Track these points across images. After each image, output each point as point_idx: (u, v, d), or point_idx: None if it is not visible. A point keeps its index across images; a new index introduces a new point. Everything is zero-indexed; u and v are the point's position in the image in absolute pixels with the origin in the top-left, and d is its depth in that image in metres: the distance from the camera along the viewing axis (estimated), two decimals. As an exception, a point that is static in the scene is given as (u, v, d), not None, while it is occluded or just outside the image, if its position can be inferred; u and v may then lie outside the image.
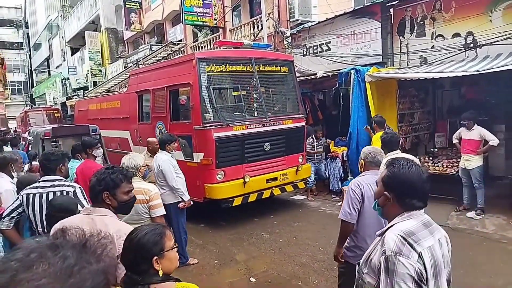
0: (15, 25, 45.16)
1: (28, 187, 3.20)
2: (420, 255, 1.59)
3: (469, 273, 4.60)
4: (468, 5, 7.37)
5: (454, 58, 7.49)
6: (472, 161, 6.45)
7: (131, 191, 2.33)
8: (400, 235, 1.64)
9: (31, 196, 3.10)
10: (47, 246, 0.67)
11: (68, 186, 3.19)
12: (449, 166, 7.29)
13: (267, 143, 6.90)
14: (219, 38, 13.62)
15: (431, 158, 7.78)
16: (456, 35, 7.60)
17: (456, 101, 8.44)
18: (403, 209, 1.76)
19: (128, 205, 2.32)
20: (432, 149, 8.35)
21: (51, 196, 3.07)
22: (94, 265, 0.67)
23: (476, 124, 6.50)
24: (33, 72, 43.98)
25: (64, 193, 3.11)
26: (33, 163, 6.59)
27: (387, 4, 8.67)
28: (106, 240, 0.74)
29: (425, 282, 1.58)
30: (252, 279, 4.81)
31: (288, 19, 11.34)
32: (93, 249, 0.71)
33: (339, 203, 7.54)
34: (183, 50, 15.81)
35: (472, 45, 7.37)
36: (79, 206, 2.98)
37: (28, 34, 43.11)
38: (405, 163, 1.82)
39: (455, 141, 6.96)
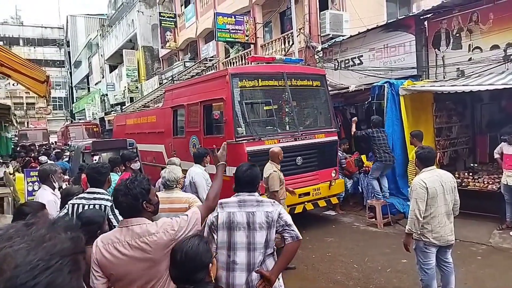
0: (57, 44, 47.79)
1: (75, 197, 3.35)
2: (218, 214, 2.71)
3: (515, 295, 4.37)
4: (507, 16, 7.15)
5: (493, 70, 7.25)
6: (515, 177, 6.16)
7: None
8: (220, 202, 2.71)
9: (75, 206, 3.24)
10: (22, 224, 0.79)
11: (107, 200, 3.25)
12: (490, 182, 6.98)
13: (299, 157, 6.89)
14: (250, 54, 13.82)
15: (471, 174, 7.48)
16: (495, 47, 7.37)
17: (496, 114, 8.13)
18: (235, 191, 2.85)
19: (158, 205, 2.38)
20: (472, 165, 8.04)
21: (91, 208, 3.19)
22: (63, 234, 0.80)
23: (518, 139, 6.24)
24: (74, 88, 46.19)
25: (102, 207, 3.18)
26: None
27: (421, 17, 8.55)
28: (72, 222, 0.88)
29: (215, 230, 2.71)
30: (285, 295, 4.76)
31: (319, 34, 11.38)
32: (61, 224, 0.84)
33: (373, 219, 7.38)
34: (216, 66, 16.15)
35: (512, 57, 7.13)
36: (114, 220, 3.07)
37: (69, 52, 45.49)
38: (242, 165, 2.93)
39: (496, 156, 6.69)
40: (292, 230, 2.70)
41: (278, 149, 5.69)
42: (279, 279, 2.80)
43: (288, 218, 2.73)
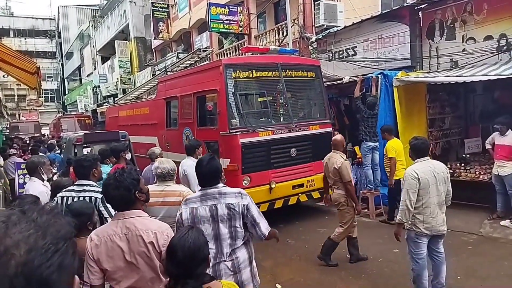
0: (48, 35, 47.11)
1: (64, 189, 3.31)
2: (182, 211, 2.73)
3: (505, 284, 4.43)
4: (500, 6, 7.15)
5: (487, 61, 7.26)
6: (505, 168, 6.21)
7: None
8: (185, 199, 2.87)
9: (65, 198, 3.21)
10: (19, 211, 0.83)
11: (97, 192, 3.22)
12: (482, 173, 7.04)
13: (293, 149, 6.88)
14: (244, 45, 13.74)
15: (463, 165, 7.54)
16: (488, 37, 7.38)
17: (489, 105, 8.17)
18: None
19: (148, 194, 2.43)
20: (464, 155, 8.09)
21: (81, 200, 3.16)
22: (62, 219, 0.86)
23: (510, 129, 6.28)
24: (65, 80, 45.66)
25: (93, 199, 3.16)
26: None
27: (416, 8, 8.52)
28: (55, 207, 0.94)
29: (182, 225, 2.65)
30: (278, 286, 4.79)
31: (313, 24, 11.32)
32: (56, 211, 0.89)
33: (366, 210, 7.42)
34: (209, 57, 16.03)
35: (505, 47, 7.15)
36: (105, 212, 3.05)
37: (60, 43, 44.83)
38: (202, 159, 2.91)
39: (488, 146, 6.74)
40: (259, 230, 2.71)
41: (341, 137, 5.40)
42: (252, 268, 2.83)
43: (255, 214, 2.71)
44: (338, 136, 5.43)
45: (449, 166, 7.32)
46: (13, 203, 3.01)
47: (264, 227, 2.74)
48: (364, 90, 8.24)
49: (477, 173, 7.12)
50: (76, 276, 0.85)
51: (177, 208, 3.40)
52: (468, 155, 8.00)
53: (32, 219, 0.80)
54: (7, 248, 0.73)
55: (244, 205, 2.67)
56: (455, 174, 7.19)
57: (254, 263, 2.83)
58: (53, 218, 0.83)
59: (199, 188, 2.87)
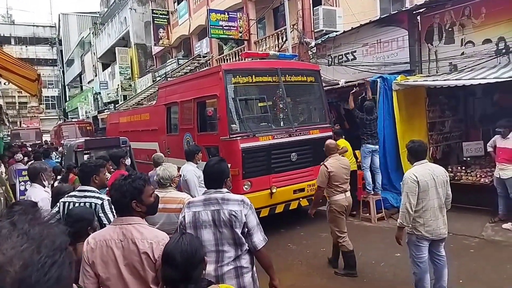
0: (49, 43, 47.32)
1: (67, 195, 3.31)
2: (185, 214, 2.74)
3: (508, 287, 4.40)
4: (499, 10, 7.18)
5: (486, 64, 7.29)
6: (507, 171, 6.21)
7: (154, 192, 2.39)
8: (188, 201, 2.91)
9: (67, 204, 3.21)
10: (9, 223, 0.77)
11: (98, 198, 3.21)
12: (483, 176, 7.04)
13: (294, 154, 6.88)
14: (244, 50, 13.80)
15: (463, 168, 7.53)
16: (487, 41, 7.41)
17: (489, 108, 8.18)
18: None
19: (154, 206, 2.37)
20: (464, 158, 8.09)
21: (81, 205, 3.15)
22: (55, 229, 0.81)
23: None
24: (66, 87, 45.80)
25: (93, 205, 3.14)
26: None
27: (414, 12, 8.56)
28: (46, 211, 0.88)
29: (184, 229, 2.68)
30: (280, 291, 4.76)
31: (312, 29, 11.37)
32: (44, 218, 0.83)
33: (367, 214, 7.40)
34: (209, 63, 16.10)
35: (504, 51, 7.17)
36: (104, 219, 3.05)
37: (61, 51, 45.02)
38: (211, 160, 2.95)
39: (489, 149, 6.74)
40: (251, 241, 2.68)
41: (334, 141, 5.63)
42: (253, 273, 2.81)
43: (252, 226, 2.68)
44: (331, 140, 5.58)
45: (449, 169, 7.32)
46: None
47: (258, 239, 2.70)
48: (363, 94, 8.26)
49: (478, 176, 7.11)
50: (74, 285, 0.82)
51: (177, 215, 3.39)
52: (468, 158, 7.99)
53: (24, 231, 0.75)
54: (0, 266, 0.69)
55: (244, 214, 2.66)
56: (456, 178, 7.18)
57: (254, 269, 2.83)
58: (46, 228, 0.79)
59: (204, 190, 2.88)
